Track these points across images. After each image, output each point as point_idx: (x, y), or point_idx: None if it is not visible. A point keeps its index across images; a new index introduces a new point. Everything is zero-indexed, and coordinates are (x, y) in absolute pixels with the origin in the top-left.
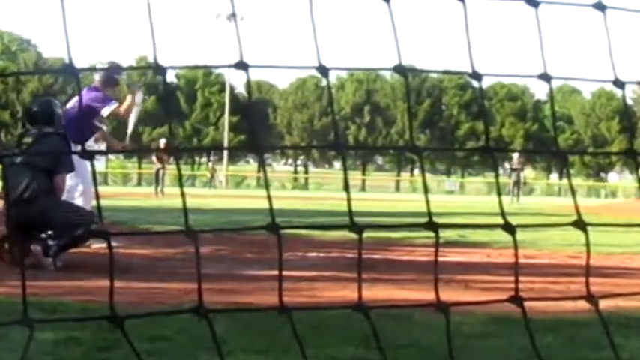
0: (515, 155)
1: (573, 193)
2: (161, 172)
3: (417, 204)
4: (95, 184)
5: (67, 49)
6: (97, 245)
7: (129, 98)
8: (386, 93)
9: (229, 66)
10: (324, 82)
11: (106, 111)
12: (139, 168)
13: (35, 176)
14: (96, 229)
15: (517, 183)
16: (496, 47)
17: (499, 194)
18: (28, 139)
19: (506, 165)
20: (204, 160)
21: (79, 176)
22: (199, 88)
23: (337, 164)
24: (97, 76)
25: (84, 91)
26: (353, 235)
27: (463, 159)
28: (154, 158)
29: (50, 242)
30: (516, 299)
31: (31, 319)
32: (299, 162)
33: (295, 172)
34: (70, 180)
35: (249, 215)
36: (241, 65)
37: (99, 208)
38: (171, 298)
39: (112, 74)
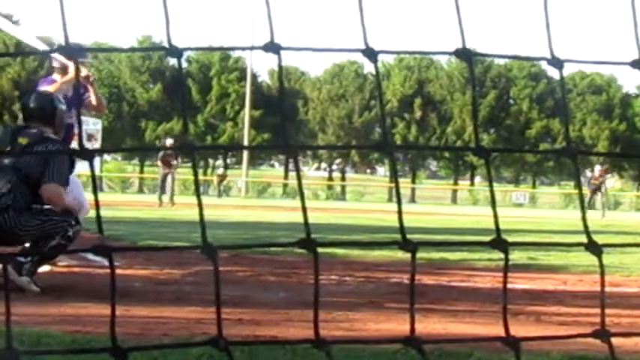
0: (597, 167)
1: None
2: (169, 177)
3: (478, 219)
4: (95, 191)
5: (63, 26)
6: (64, 263)
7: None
8: (441, 83)
9: (257, 48)
10: (366, 69)
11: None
12: (141, 172)
13: (18, 184)
14: (75, 231)
15: (595, 192)
16: (576, 29)
17: (582, 207)
18: (23, 140)
19: (588, 173)
20: (219, 162)
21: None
22: (215, 76)
23: (381, 169)
24: (54, 63)
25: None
26: (399, 256)
27: (535, 165)
28: (159, 162)
29: (22, 259)
30: (602, 334)
31: (16, 351)
32: (335, 166)
33: (330, 178)
34: None
35: (274, 230)
36: (272, 47)
37: (98, 218)
38: (178, 329)
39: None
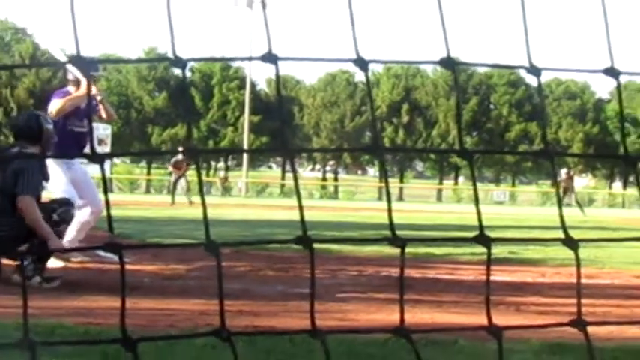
0: (563, 171)
1: None
2: (182, 180)
3: (462, 216)
4: (106, 192)
5: (75, 39)
6: (78, 259)
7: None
8: (427, 90)
9: (255, 58)
10: (356, 78)
11: (51, 108)
12: (148, 174)
13: None
14: (63, 212)
15: (565, 194)
16: (552, 38)
17: (559, 205)
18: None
19: (563, 174)
20: (221, 164)
21: (80, 190)
22: (216, 84)
23: (371, 171)
24: (69, 75)
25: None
26: (388, 251)
27: (514, 165)
28: (171, 167)
29: (24, 262)
30: (578, 322)
31: (33, 341)
32: (328, 168)
33: (324, 178)
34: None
35: (272, 227)
36: (270, 58)
37: (109, 217)
38: (183, 320)
39: (86, 71)
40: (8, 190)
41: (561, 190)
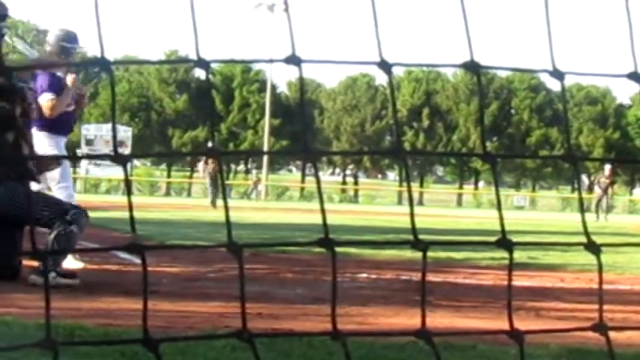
0: (607, 167)
1: None
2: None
3: (482, 220)
4: (129, 192)
5: (99, 41)
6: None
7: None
8: (448, 95)
9: (279, 60)
10: (377, 82)
11: (41, 102)
12: (168, 176)
13: None
14: (74, 213)
15: (605, 192)
16: (573, 43)
17: (582, 210)
18: None
19: (607, 169)
20: (240, 167)
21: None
22: (237, 87)
23: (391, 175)
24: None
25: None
26: (408, 255)
27: (534, 170)
28: (201, 167)
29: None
30: (600, 327)
31: (54, 341)
32: (348, 171)
33: (344, 182)
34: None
35: (292, 230)
36: (293, 60)
37: (131, 219)
38: (202, 322)
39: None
40: None
41: (602, 190)
